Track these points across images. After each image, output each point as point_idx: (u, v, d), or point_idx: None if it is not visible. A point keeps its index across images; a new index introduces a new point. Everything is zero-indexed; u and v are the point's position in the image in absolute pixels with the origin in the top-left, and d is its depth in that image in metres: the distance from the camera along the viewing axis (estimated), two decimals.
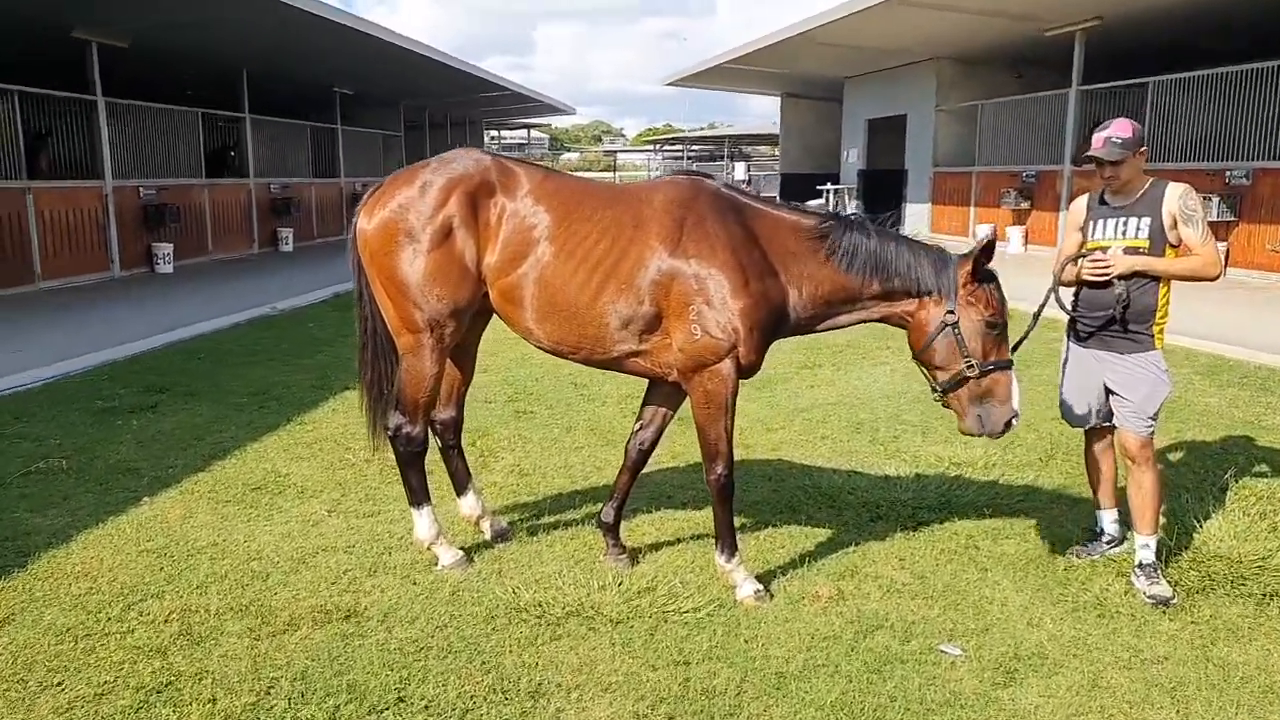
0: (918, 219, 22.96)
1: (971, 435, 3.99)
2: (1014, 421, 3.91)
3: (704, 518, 4.93)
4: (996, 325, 3.85)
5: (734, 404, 4.02)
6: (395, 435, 4.29)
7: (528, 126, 43.22)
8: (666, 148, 54.74)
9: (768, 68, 25.08)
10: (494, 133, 45.60)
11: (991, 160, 20.91)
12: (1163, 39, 17.86)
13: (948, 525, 4.97)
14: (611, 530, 4.47)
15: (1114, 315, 4.17)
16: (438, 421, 4.60)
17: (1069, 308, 4.39)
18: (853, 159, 25.88)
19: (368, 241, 4.07)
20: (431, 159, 4.19)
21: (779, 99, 31.00)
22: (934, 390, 3.99)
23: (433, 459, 4.59)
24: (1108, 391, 4.32)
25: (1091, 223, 4.32)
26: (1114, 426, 4.36)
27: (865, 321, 4.10)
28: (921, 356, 3.97)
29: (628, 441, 4.55)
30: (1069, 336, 4.51)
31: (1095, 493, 4.63)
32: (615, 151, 72.67)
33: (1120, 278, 4.13)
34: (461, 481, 4.71)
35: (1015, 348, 4.03)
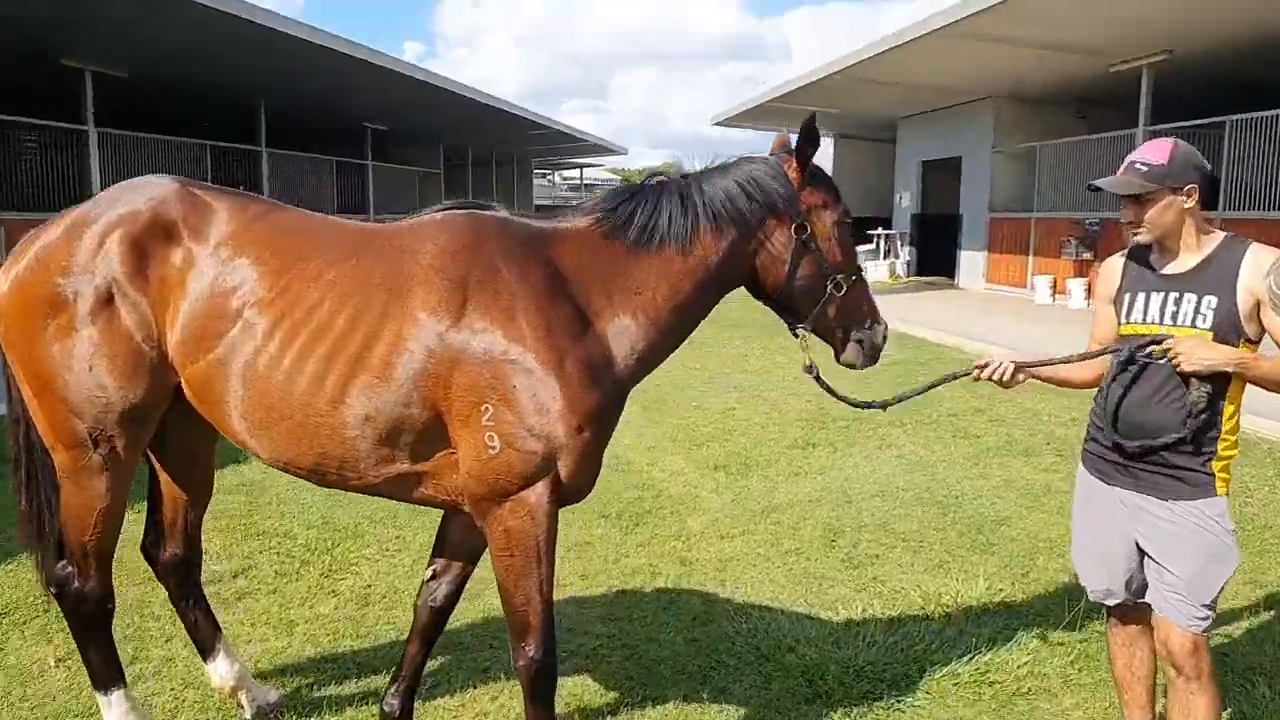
0: (973, 267, 21.33)
1: (854, 367, 3.12)
2: (886, 333, 3.15)
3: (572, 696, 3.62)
4: (848, 224, 3.04)
5: (551, 549, 2.78)
6: (60, 593, 3.07)
7: (580, 167, 42.50)
8: None
9: (816, 106, 23.77)
10: (547, 173, 45.07)
11: (1052, 206, 19.24)
12: (1237, 75, 16.12)
13: (912, 716, 3.57)
14: None
15: (1169, 440, 2.79)
16: (158, 564, 3.39)
17: (1100, 424, 3.00)
18: (906, 203, 24.38)
19: (1, 314, 2.87)
20: (103, 192, 3.01)
21: (832, 140, 29.71)
22: (794, 329, 3.07)
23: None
24: (1141, 553, 2.92)
25: (1128, 295, 2.96)
26: (1150, 606, 2.95)
27: (719, 297, 3.05)
28: (787, 293, 2.97)
29: (417, 596, 3.29)
30: (1084, 463, 3.12)
31: (1122, 700, 3.19)
32: None
33: (1196, 377, 2.73)
34: (206, 642, 3.48)
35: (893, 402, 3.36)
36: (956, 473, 6.75)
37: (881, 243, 23.89)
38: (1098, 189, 2.90)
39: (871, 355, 3.07)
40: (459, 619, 4.32)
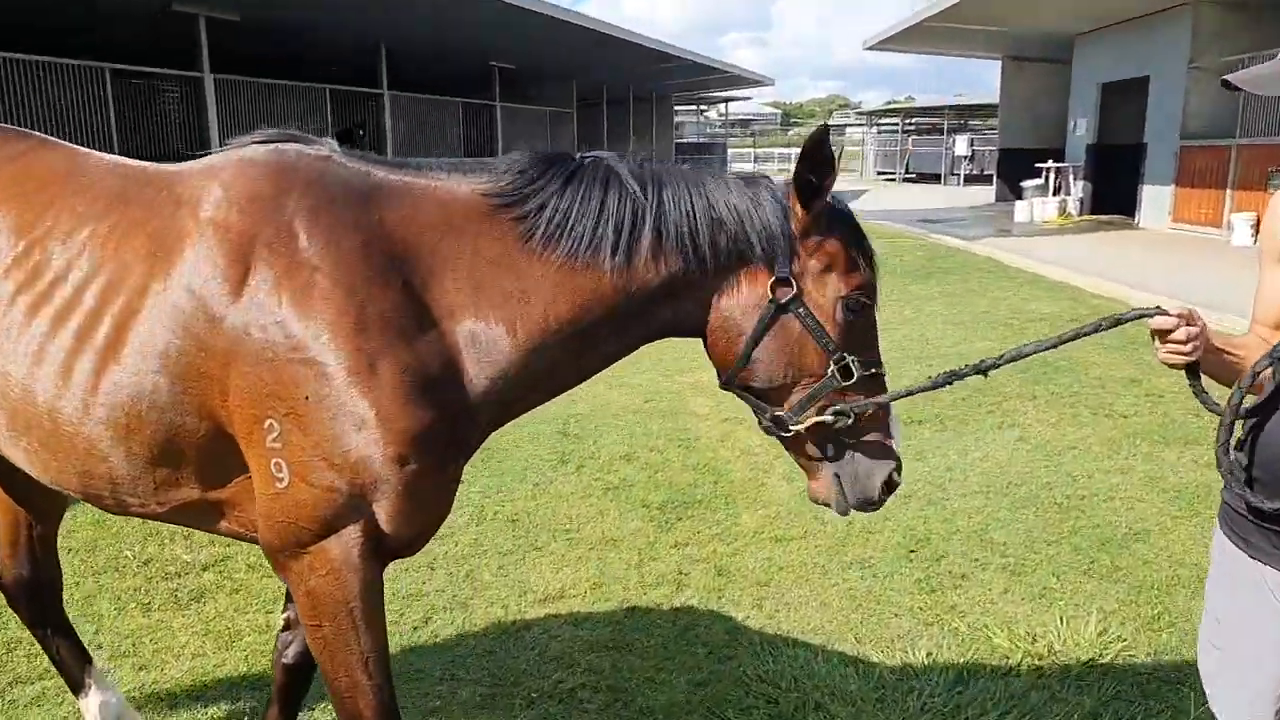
0: (1157, 204, 18.87)
1: (826, 505, 2.22)
2: (896, 477, 2.20)
3: None
4: (864, 305, 2.11)
5: (373, 616, 2.04)
6: None
7: (724, 101, 40.84)
8: (881, 120, 50.48)
9: (981, 24, 21.54)
10: (703, 108, 43.67)
11: (1261, 131, 16.61)
12: None
13: None
14: None
15: None
16: (4, 588, 2.81)
17: (1231, 457, 1.93)
18: (1080, 131, 21.85)
19: None
20: None
21: (1000, 63, 27.08)
22: (762, 424, 2.21)
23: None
24: None
25: None
26: None
27: (643, 342, 2.21)
28: (741, 374, 2.13)
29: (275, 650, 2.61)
30: (1222, 526, 2.06)
31: None
32: (831, 126, 68.56)
33: None
34: (75, 675, 2.92)
35: (953, 378, 2.11)
36: (1088, 463, 5.51)
37: (1051, 177, 21.57)
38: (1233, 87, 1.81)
39: (861, 501, 2.19)
40: (409, 640, 3.64)
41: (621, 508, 4.98)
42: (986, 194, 28.75)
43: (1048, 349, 2.05)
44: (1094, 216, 20.87)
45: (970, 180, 36.56)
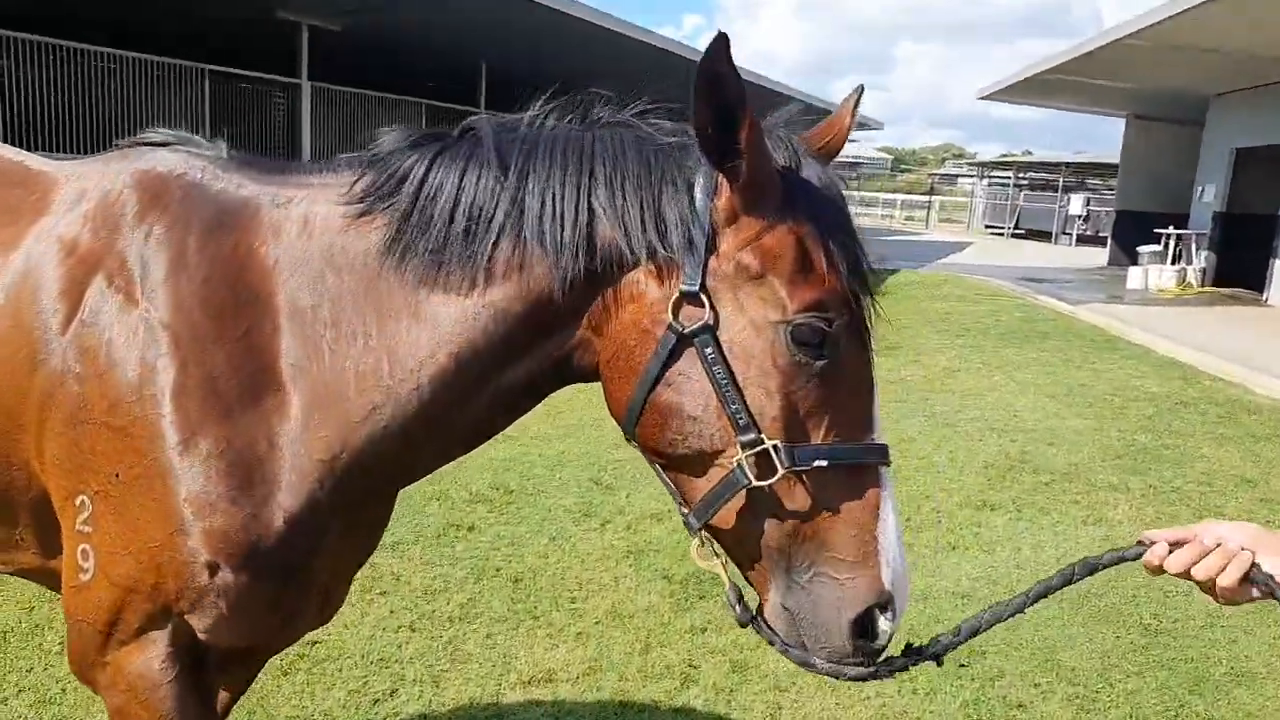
0: None
1: (785, 655, 1.48)
2: (882, 622, 1.41)
3: None
4: (825, 337, 1.39)
5: None
6: None
7: None
8: (993, 173, 48.77)
9: (1105, 79, 20.48)
10: None
11: None
12: None
13: None
14: None
15: None
16: None
17: None
18: (1208, 198, 20.50)
19: None
20: None
21: (1123, 120, 25.80)
22: (688, 525, 1.49)
23: None
24: None
25: None
26: None
27: (547, 387, 1.62)
28: (639, 432, 1.49)
29: None
30: None
31: None
32: (939, 174, 66.87)
33: None
34: None
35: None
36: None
37: (1171, 244, 20.28)
38: None
39: (825, 655, 1.43)
40: (367, 715, 3.19)
41: (640, 577, 4.47)
42: (1099, 256, 27.38)
43: (1010, 616, 1.54)
44: (1216, 289, 19.50)
45: (1083, 241, 34.99)
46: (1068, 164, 40.87)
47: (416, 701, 3.35)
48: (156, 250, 1.53)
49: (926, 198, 52.39)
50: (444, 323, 1.48)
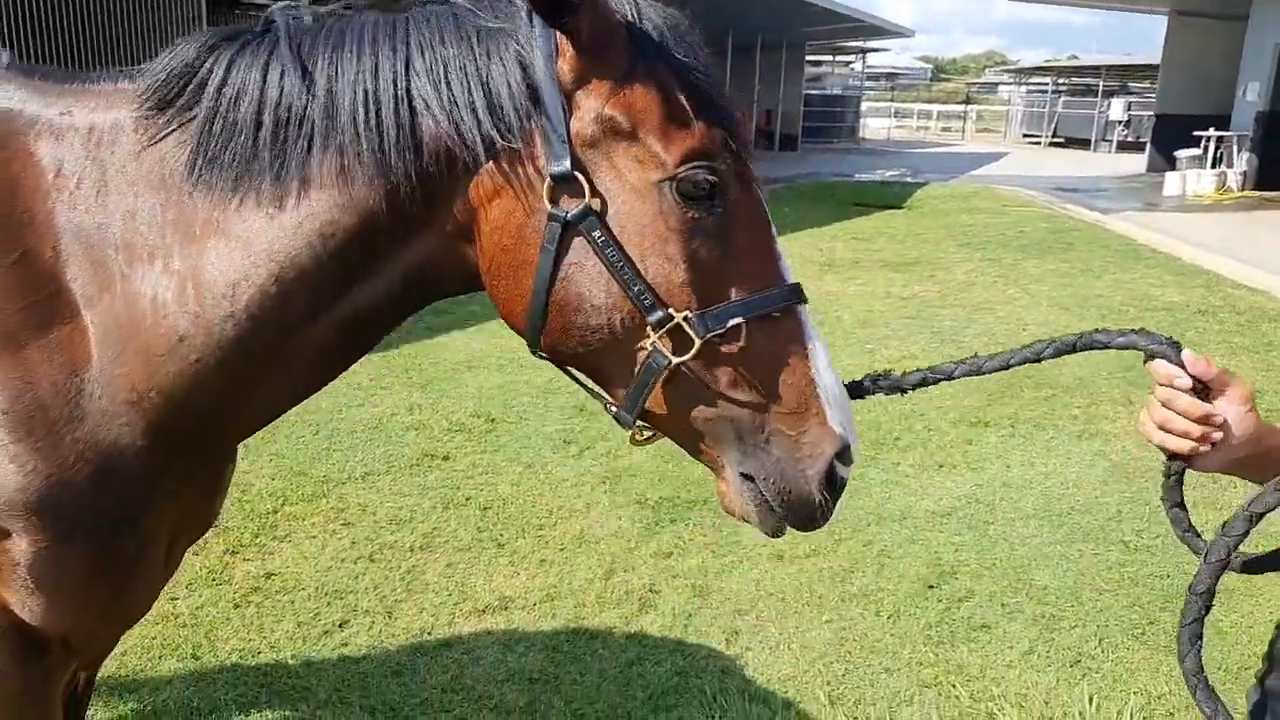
0: None
1: (745, 521, 1.41)
2: (840, 469, 1.35)
3: None
4: (713, 187, 1.28)
5: None
6: None
7: (861, 52, 38.68)
8: (1031, 79, 46.95)
9: None
10: (828, 59, 41.76)
11: None
12: None
13: None
14: None
15: None
16: None
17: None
18: (1251, 96, 19.57)
19: None
20: None
21: (1166, 18, 24.62)
22: (622, 422, 1.39)
23: None
24: None
25: None
26: None
27: (394, 314, 1.46)
28: (545, 341, 1.37)
29: None
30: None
31: None
32: (977, 83, 64.74)
33: None
34: None
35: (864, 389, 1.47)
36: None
37: (1211, 147, 19.48)
38: None
39: (785, 512, 1.37)
40: (314, 647, 3.19)
41: (614, 502, 4.42)
42: (1140, 163, 26.45)
43: (1003, 368, 1.42)
44: (1258, 193, 18.74)
45: (1124, 148, 33.72)
46: (1109, 67, 39.24)
47: (367, 633, 3.34)
48: None
49: (963, 107, 50.75)
50: (259, 241, 1.33)
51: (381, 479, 4.58)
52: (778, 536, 1.42)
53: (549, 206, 1.26)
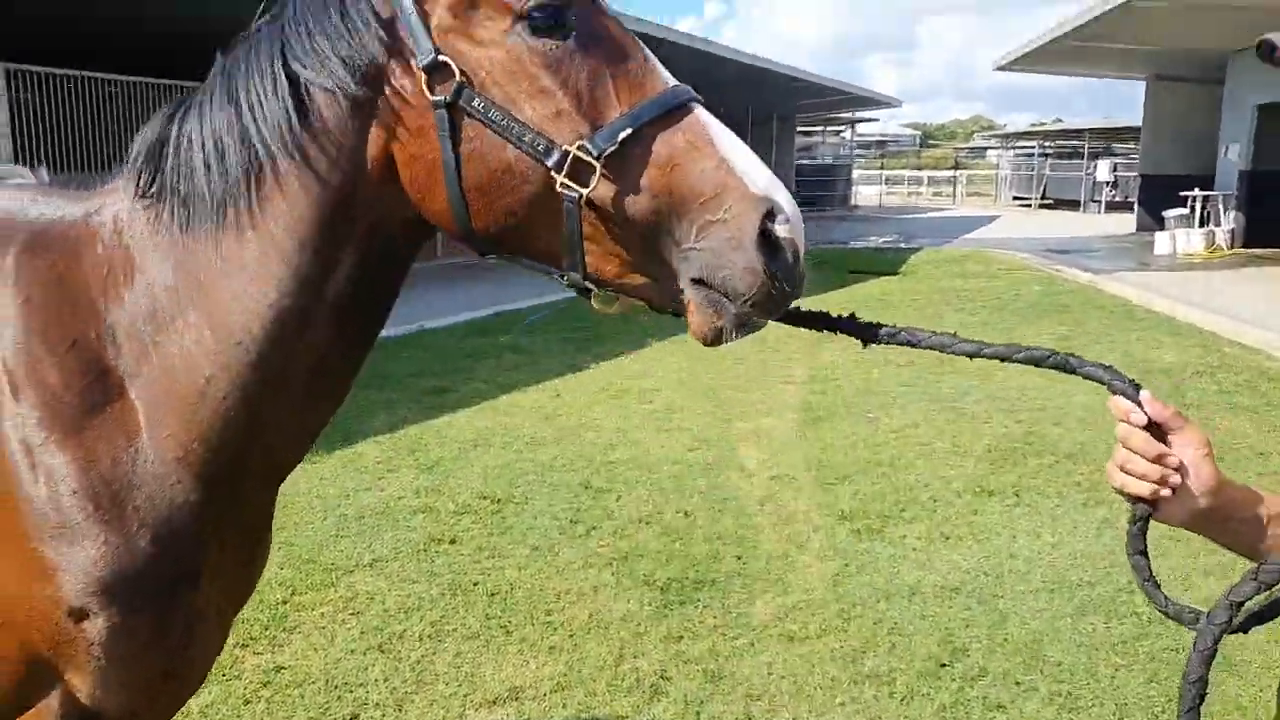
0: None
1: (710, 342, 1.35)
2: (777, 229, 1.28)
3: None
4: (559, 13, 1.32)
5: None
6: None
7: (851, 123, 39.51)
8: (1018, 143, 47.83)
9: (1122, 43, 20.02)
10: (819, 129, 42.56)
11: None
12: None
13: None
14: None
15: None
16: None
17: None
18: (1233, 156, 19.99)
19: None
20: None
21: (1145, 83, 25.22)
22: (576, 287, 1.41)
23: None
24: None
25: None
26: None
27: (381, 282, 1.52)
28: (480, 234, 1.40)
29: None
30: None
31: None
32: (965, 148, 65.85)
33: None
34: None
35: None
36: (1184, 560, 4.60)
37: (1198, 206, 19.80)
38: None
39: (742, 300, 1.30)
40: None
41: (622, 584, 4.41)
42: (1128, 223, 26.83)
43: (972, 355, 1.41)
44: (1247, 250, 19.02)
45: (1112, 208, 34.29)
46: (1093, 130, 40.08)
47: None
48: None
49: (952, 173, 51.58)
50: (247, 266, 1.42)
51: (390, 565, 4.57)
52: (754, 331, 1.36)
53: (431, 97, 1.32)
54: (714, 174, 1.30)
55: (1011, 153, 48.17)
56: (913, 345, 1.42)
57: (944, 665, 3.71)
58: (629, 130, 1.29)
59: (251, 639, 3.86)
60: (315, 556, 4.63)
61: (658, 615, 4.12)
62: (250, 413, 1.45)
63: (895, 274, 16.69)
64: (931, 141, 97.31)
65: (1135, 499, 1.31)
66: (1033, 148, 44.92)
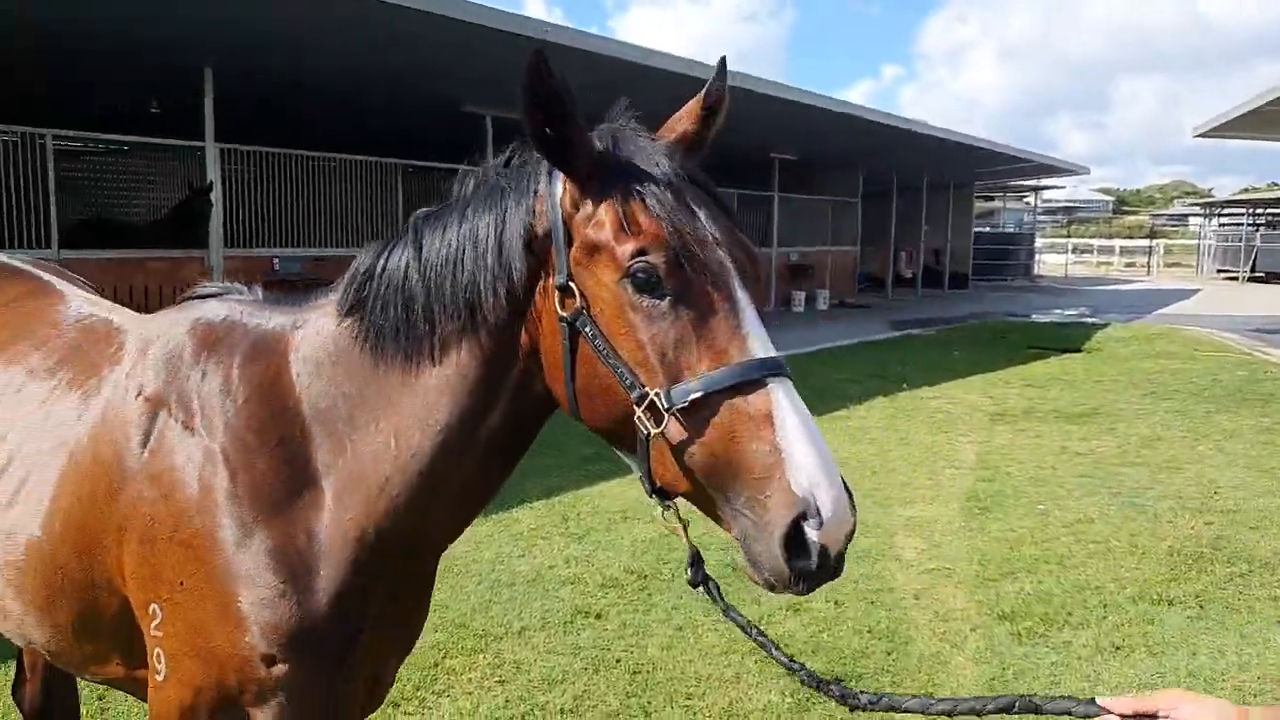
0: None
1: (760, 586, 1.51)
2: (808, 531, 1.41)
3: None
4: (657, 276, 1.51)
5: None
6: None
7: (1034, 190, 37.98)
8: (1224, 211, 44.46)
9: None
10: (999, 195, 41.16)
11: None
12: None
13: None
14: None
15: None
16: (22, 709, 2.84)
17: None
18: None
19: None
20: None
21: None
22: (647, 492, 1.60)
23: None
24: None
25: None
26: None
27: (529, 428, 1.80)
28: (588, 421, 1.66)
29: None
30: None
31: None
32: (1164, 215, 61.93)
33: None
34: None
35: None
36: None
37: None
38: None
39: (765, 575, 1.46)
40: None
41: (764, 673, 4.35)
42: None
43: (933, 713, 1.60)
44: None
45: None
46: None
47: None
48: (207, 384, 1.79)
49: (1148, 242, 48.63)
50: (429, 393, 1.69)
51: (536, 635, 4.69)
52: (788, 593, 1.47)
53: (560, 312, 1.57)
54: (765, 457, 1.43)
55: (1217, 221, 44.97)
56: (908, 711, 1.60)
57: None
58: (699, 394, 1.46)
59: (404, 698, 4.05)
60: (467, 621, 4.82)
61: (799, 708, 4.04)
62: (417, 508, 1.71)
63: (1079, 351, 15.84)
64: (1126, 208, 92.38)
65: None
66: (1242, 215, 41.80)
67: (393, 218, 14.30)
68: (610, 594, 5.22)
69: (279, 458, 1.72)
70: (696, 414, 1.46)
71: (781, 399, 1.46)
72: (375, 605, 1.77)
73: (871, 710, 1.55)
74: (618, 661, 4.44)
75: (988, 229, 38.15)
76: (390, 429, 1.70)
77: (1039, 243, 42.31)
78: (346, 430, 1.73)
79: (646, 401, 1.48)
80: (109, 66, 11.94)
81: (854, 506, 1.47)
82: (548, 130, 1.53)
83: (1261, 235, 38.56)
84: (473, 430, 1.69)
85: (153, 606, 1.75)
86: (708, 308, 1.51)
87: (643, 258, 1.50)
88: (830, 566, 1.44)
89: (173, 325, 1.93)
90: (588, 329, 1.54)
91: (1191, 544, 6.05)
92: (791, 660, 1.71)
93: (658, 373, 1.49)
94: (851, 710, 1.57)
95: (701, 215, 1.56)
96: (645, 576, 5.47)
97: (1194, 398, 11.26)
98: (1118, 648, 4.62)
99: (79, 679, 2.34)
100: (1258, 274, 37.19)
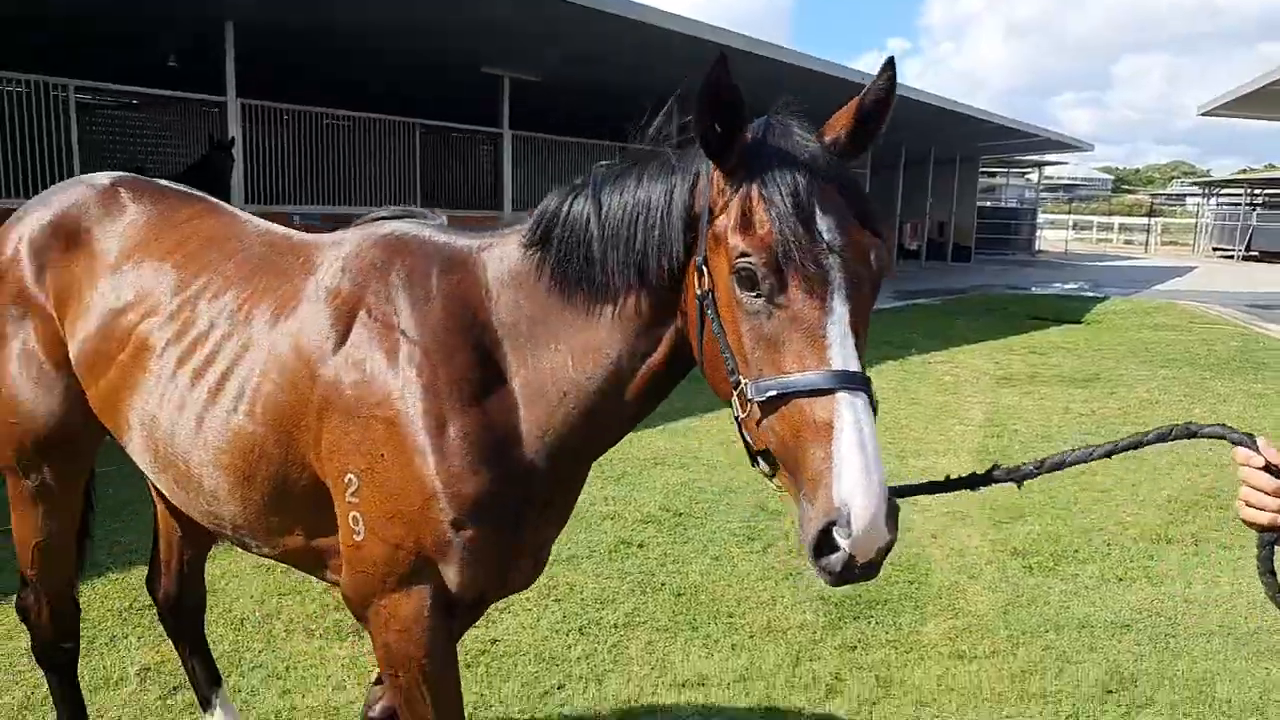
0: None
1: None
2: (838, 538, 1.53)
3: None
4: (758, 277, 1.63)
5: (446, 677, 2.14)
6: (24, 619, 2.91)
7: (1038, 165, 38.25)
8: (1222, 191, 44.85)
9: None
10: (1002, 171, 41.37)
11: None
12: None
13: None
14: None
15: None
16: (157, 601, 3.15)
17: None
18: None
19: None
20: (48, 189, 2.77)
21: None
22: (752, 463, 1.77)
23: None
24: None
25: None
26: None
27: (675, 370, 2.00)
28: (710, 383, 1.86)
29: None
30: None
31: None
32: (1162, 194, 62.22)
33: None
34: (203, 692, 3.20)
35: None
36: None
37: None
38: None
39: (813, 563, 1.60)
40: (534, 707, 3.65)
41: (797, 597, 4.74)
42: None
43: (1095, 458, 1.77)
44: None
45: None
46: None
47: (581, 696, 3.78)
48: (404, 288, 2.07)
49: (1147, 220, 48.92)
50: (605, 325, 1.95)
51: (584, 563, 5.07)
52: (822, 580, 1.62)
53: (697, 286, 1.76)
54: (818, 463, 1.56)
55: (1215, 200, 45.27)
56: (1060, 468, 1.80)
57: (1110, 692, 3.85)
58: (774, 393, 1.61)
59: None
60: None
61: (832, 626, 4.43)
62: (584, 422, 2.01)
63: (1079, 322, 16.21)
64: (1126, 186, 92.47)
65: (1260, 528, 1.61)
66: (1239, 195, 42.09)
67: (410, 177, 14.49)
68: (649, 528, 5.61)
69: (474, 358, 1.99)
70: (773, 409, 1.61)
71: (844, 411, 1.56)
72: (544, 492, 2.07)
73: (1038, 475, 1.73)
74: (662, 585, 4.83)
75: (990, 204, 38.39)
76: (568, 350, 1.97)
77: (1040, 218, 42.59)
78: (529, 345, 1.99)
79: (739, 388, 1.67)
80: (129, 18, 12.01)
81: (895, 524, 1.56)
82: (716, 128, 1.65)
83: (1257, 215, 38.89)
84: (638, 365, 1.94)
85: (349, 476, 2.01)
86: (800, 313, 1.60)
87: (746, 258, 1.63)
88: (855, 572, 1.55)
89: (365, 238, 2.20)
90: (709, 311, 1.72)
91: (1188, 493, 6.45)
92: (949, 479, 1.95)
93: (749, 364, 1.66)
94: (1020, 485, 1.75)
95: (822, 222, 1.62)
96: (680, 514, 5.86)
97: (1190, 366, 11.65)
98: (1120, 579, 5.02)
99: (251, 552, 2.62)
100: (1252, 253, 37.57)
